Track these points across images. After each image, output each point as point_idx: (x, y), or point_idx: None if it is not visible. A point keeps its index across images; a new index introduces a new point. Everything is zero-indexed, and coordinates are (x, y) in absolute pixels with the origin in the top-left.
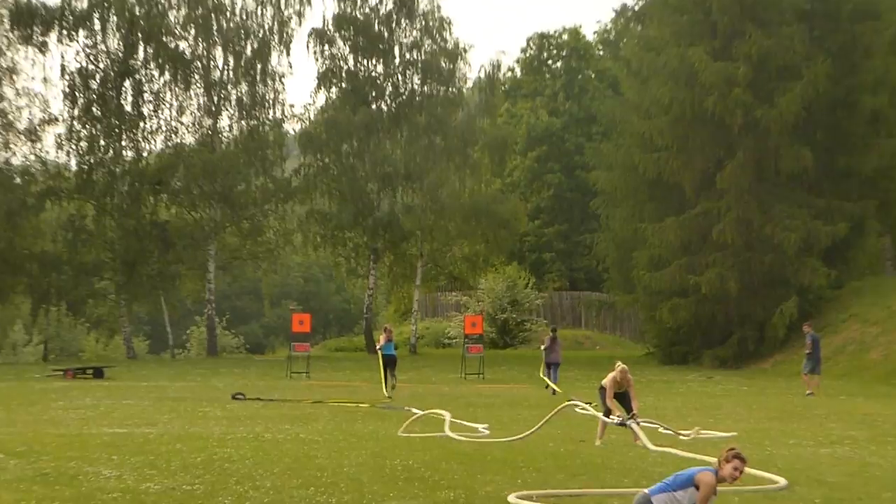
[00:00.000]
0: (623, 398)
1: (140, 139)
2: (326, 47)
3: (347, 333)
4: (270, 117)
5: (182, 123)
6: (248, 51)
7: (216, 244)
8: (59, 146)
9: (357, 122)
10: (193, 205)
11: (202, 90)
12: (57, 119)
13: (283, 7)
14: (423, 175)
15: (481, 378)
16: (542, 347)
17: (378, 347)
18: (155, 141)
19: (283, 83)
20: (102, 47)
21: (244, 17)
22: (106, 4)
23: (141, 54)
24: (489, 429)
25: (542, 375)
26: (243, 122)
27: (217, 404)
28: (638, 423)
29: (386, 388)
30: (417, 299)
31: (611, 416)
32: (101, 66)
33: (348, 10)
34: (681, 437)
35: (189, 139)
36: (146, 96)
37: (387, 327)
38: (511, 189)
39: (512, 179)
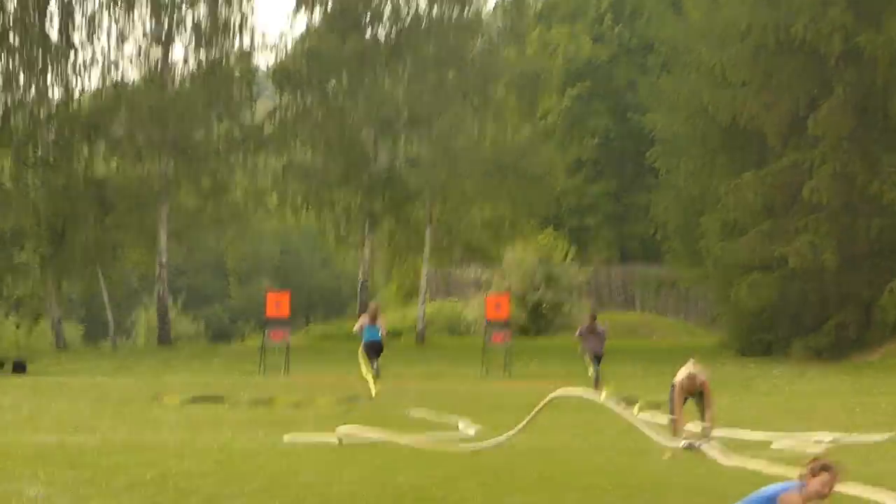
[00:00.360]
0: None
1: (70, 74)
2: None
3: (337, 317)
4: (236, 47)
5: (124, 55)
6: None
7: (168, 206)
8: None
9: (347, 53)
10: (139, 157)
11: (149, 13)
12: None
13: None
14: (431, 119)
15: (507, 374)
16: (577, 334)
17: (356, 329)
18: (89, 77)
19: (251, 4)
20: None
21: None
22: None
23: None
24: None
25: (584, 360)
26: (202, 53)
27: (171, 406)
28: (710, 441)
29: (371, 383)
30: (426, 275)
31: (676, 439)
32: None
33: None
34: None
35: (133, 75)
36: (77, 20)
37: (372, 304)
38: (545, 137)
39: (546, 124)
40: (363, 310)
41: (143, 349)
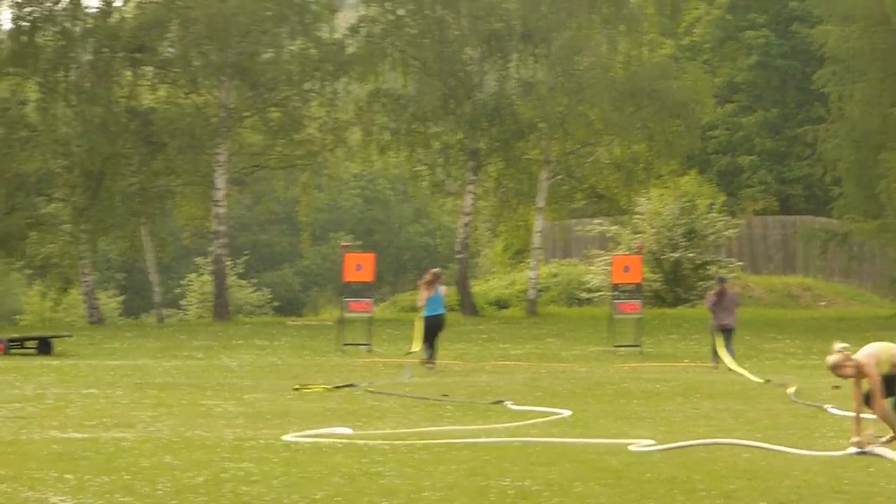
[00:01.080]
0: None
1: None
2: None
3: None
4: None
5: None
6: None
7: (229, 144)
8: None
9: None
10: (193, 83)
11: None
12: None
13: None
14: (550, 34)
15: (639, 352)
16: (707, 305)
17: (420, 304)
18: None
19: None
20: None
21: None
22: None
23: None
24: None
25: (716, 348)
26: None
27: (229, 393)
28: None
29: (423, 353)
30: (540, 231)
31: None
32: None
33: None
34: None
35: None
36: None
37: (435, 272)
38: (690, 55)
39: (691, 40)
40: (464, 274)
41: (195, 324)
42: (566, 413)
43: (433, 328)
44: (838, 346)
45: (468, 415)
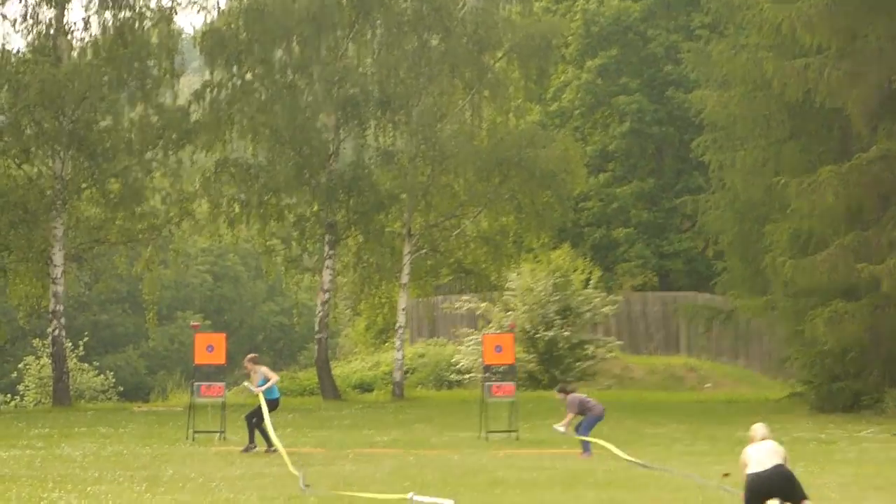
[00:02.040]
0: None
1: None
2: None
3: (288, 366)
4: (153, 3)
5: (5, 18)
6: None
7: (66, 218)
8: None
9: (299, 12)
10: (26, 152)
11: None
12: None
13: None
14: (409, 100)
15: (515, 438)
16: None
17: (253, 386)
18: None
19: None
20: None
21: None
22: None
23: None
24: None
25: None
26: (107, 15)
27: (72, 485)
28: None
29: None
30: (404, 308)
31: None
32: None
33: None
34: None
35: (18, 43)
36: None
37: (252, 357)
38: (559, 122)
39: (560, 105)
40: (324, 354)
41: (34, 411)
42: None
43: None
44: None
45: None
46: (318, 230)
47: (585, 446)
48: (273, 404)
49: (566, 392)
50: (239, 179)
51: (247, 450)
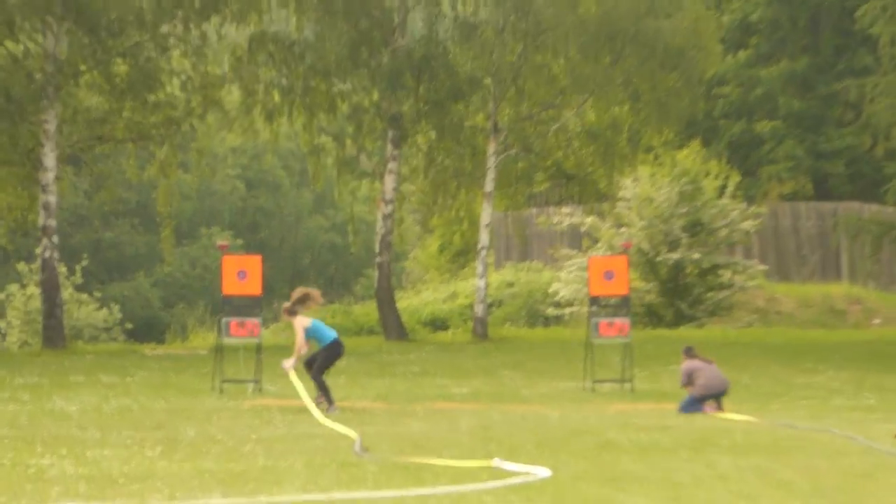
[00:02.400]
0: None
1: None
2: None
3: (341, 298)
4: None
5: None
6: None
7: (60, 109)
8: None
9: None
10: (9, 26)
11: None
12: None
13: None
14: None
15: (628, 389)
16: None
17: (300, 349)
18: None
19: None
20: None
21: None
22: None
23: None
24: None
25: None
26: None
27: (66, 449)
28: None
29: (320, 406)
30: (488, 224)
31: None
32: None
33: None
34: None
35: None
36: None
37: (307, 293)
38: None
39: None
40: (387, 280)
41: (19, 355)
42: (543, 472)
43: (328, 361)
44: None
45: (393, 478)
46: (378, 124)
47: (690, 405)
48: (331, 352)
49: (687, 354)
50: (279, 60)
51: (330, 409)
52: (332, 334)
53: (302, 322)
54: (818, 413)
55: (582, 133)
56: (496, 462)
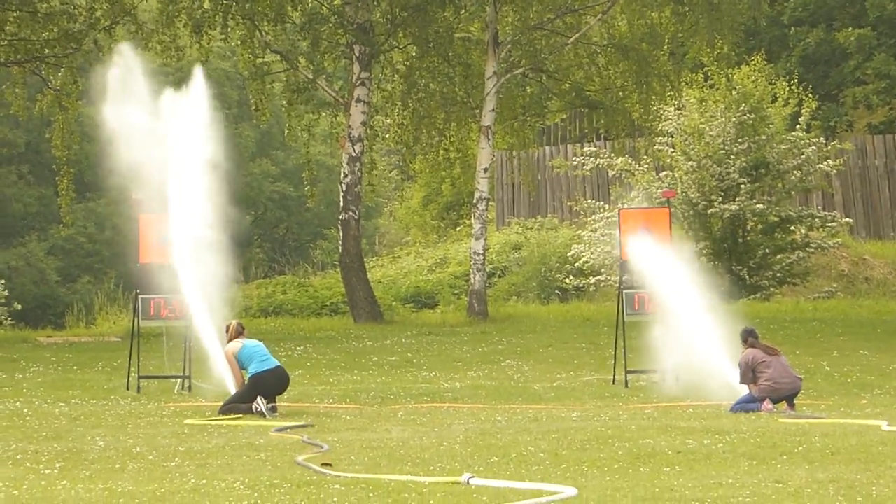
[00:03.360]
0: None
1: None
2: None
3: (295, 268)
4: None
5: None
6: None
7: None
8: None
9: None
10: None
11: None
12: None
13: None
14: None
15: (670, 382)
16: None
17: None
18: None
19: None
20: None
21: None
22: None
23: None
24: None
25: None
26: None
27: None
28: None
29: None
30: (487, 168)
31: None
32: None
33: None
34: None
35: None
36: None
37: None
38: None
39: None
40: (355, 244)
41: None
42: (569, 492)
43: (269, 388)
44: None
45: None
46: (342, 38)
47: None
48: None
49: (746, 342)
50: None
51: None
52: (259, 366)
53: (231, 348)
54: None
55: (609, 47)
56: (465, 478)
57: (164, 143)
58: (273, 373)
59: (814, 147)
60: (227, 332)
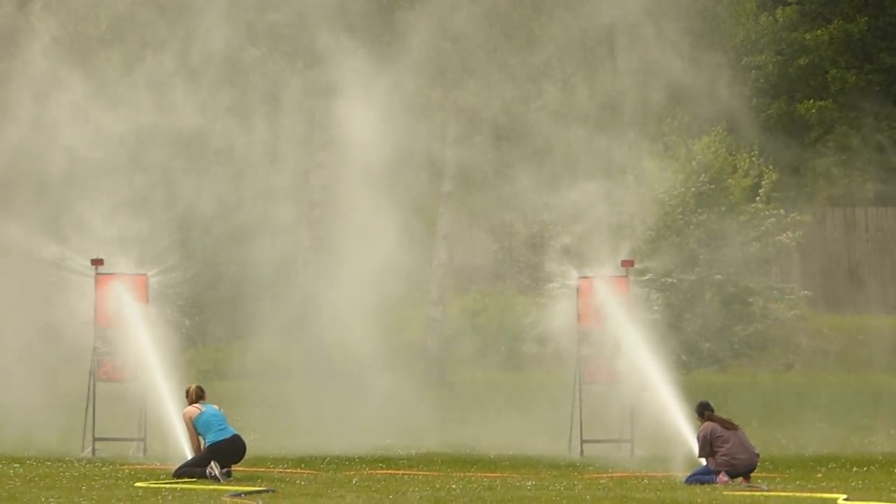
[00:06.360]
0: None
1: None
2: None
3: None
4: None
5: None
6: None
7: None
8: None
9: None
10: None
11: None
12: None
13: None
14: None
15: (626, 451)
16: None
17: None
18: None
19: None
20: None
21: None
22: None
23: None
24: None
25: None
26: None
27: None
28: None
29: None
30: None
31: None
32: None
33: None
34: None
35: None
36: None
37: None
38: None
39: None
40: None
41: None
42: None
43: (225, 457)
44: None
45: None
46: None
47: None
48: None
49: (703, 415)
50: None
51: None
52: (216, 435)
53: (189, 413)
54: (880, 484)
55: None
56: None
57: None
58: (230, 441)
59: (773, 219)
60: (186, 395)
